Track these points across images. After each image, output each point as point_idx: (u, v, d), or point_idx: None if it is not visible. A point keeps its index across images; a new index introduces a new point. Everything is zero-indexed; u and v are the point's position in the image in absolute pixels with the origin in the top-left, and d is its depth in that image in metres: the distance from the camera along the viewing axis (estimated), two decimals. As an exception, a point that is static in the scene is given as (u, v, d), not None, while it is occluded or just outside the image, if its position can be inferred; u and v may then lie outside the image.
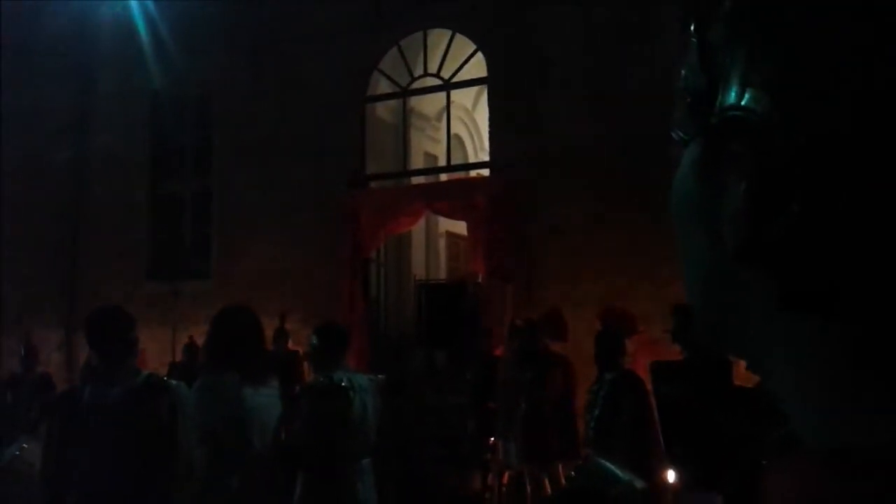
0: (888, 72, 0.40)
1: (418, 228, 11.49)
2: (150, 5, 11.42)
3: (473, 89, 11.30)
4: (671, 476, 4.75)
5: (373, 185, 10.69)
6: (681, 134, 0.50)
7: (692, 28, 0.49)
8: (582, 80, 9.18)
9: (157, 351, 9.39)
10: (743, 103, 0.44)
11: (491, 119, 9.98)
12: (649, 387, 5.09)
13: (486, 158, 10.45)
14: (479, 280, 9.65)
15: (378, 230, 10.07)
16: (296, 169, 10.45)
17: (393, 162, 11.00)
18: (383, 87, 10.71)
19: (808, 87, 0.42)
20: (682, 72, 0.50)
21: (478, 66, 10.09)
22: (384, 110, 11.05)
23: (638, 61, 8.72)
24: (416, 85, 10.64)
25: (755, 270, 0.44)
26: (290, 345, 8.36)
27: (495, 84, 9.93)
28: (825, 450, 0.42)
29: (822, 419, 0.44)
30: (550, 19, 9.39)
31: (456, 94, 10.82)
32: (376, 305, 10.71)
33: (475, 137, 12.97)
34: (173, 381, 3.46)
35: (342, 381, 4.14)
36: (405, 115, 11.00)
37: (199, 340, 6.47)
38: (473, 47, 10.04)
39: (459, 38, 10.13)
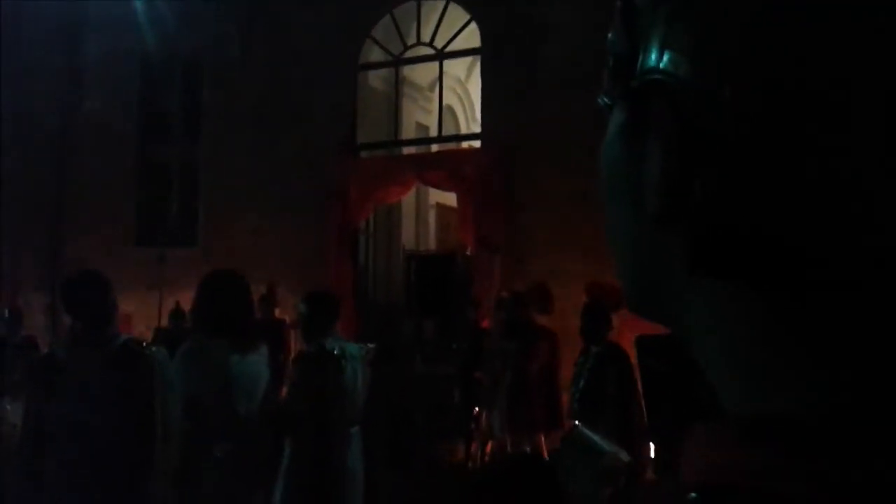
0: (803, 34, 0.39)
1: (408, 199, 11.46)
2: (140, -33, 11.26)
3: (467, 60, 11.22)
4: (651, 450, 4.79)
5: (363, 154, 10.63)
6: (606, 100, 0.50)
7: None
8: (577, 53, 9.10)
9: (144, 316, 9.38)
10: (662, 66, 0.43)
11: (483, 90, 9.91)
12: (634, 361, 5.11)
13: (478, 130, 10.40)
14: (468, 251, 9.65)
15: (368, 200, 10.03)
16: (285, 137, 10.38)
17: (384, 131, 10.93)
18: (376, 55, 10.62)
19: (727, 51, 0.41)
20: (609, 35, 0.49)
21: (471, 36, 10.01)
22: (376, 79, 10.96)
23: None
24: (409, 54, 10.55)
25: (674, 236, 0.43)
26: (277, 313, 8.34)
27: (488, 55, 9.85)
28: (745, 417, 0.42)
29: (743, 387, 0.43)
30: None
31: (449, 65, 10.74)
32: (365, 275, 10.69)
33: (467, 109, 12.90)
34: (153, 347, 3.44)
35: (334, 349, 4.13)
36: (398, 84, 10.91)
37: (186, 306, 6.45)
38: (468, 17, 9.94)
39: (453, 7, 10.03)
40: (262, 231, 10.30)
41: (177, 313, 8.30)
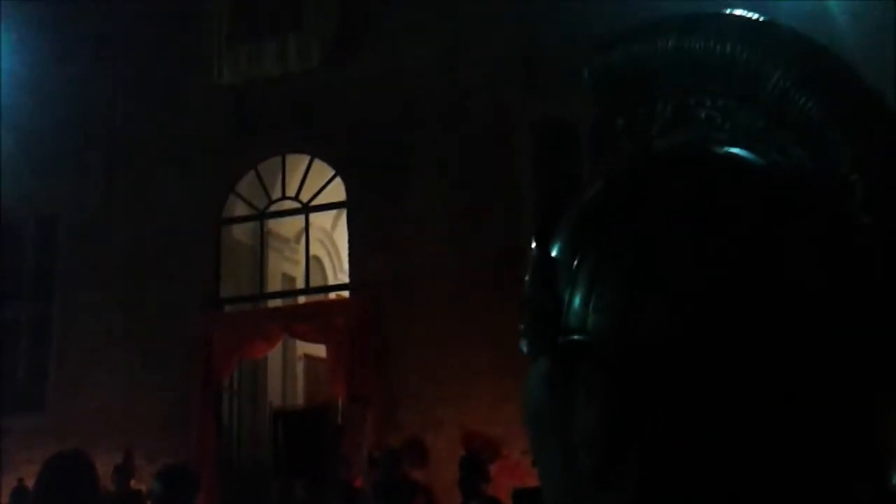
0: (727, 298, 0.42)
1: (275, 352, 11.17)
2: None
3: (333, 211, 11.34)
4: None
5: (228, 308, 10.36)
6: (528, 347, 0.51)
7: (535, 241, 0.51)
8: (440, 206, 9.38)
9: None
10: (588, 327, 0.45)
11: (350, 242, 9.99)
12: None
13: (346, 280, 10.39)
14: (339, 405, 9.41)
15: (232, 355, 9.71)
16: (147, 293, 10.02)
17: (250, 284, 10.74)
18: (241, 209, 10.57)
19: (650, 315, 0.43)
20: (528, 281, 0.51)
21: (337, 189, 10.16)
22: (241, 232, 10.87)
23: (494, 189, 9.04)
24: (275, 207, 10.57)
25: (611, 494, 0.44)
26: (133, 483, 7.76)
27: (354, 207, 9.99)
28: None
29: None
30: (407, 146, 9.64)
31: (315, 216, 10.81)
32: (229, 435, 10.19)
33: (334, 258, 12.93)
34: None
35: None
36: (263, 236, 10.85)
37: (30, 483, 5.88)
38: (332, 172, 10.13)
39: (318, 162, 10.21)
40: (119, 391, 9.70)
41: (19, 492, 7.54)
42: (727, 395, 0.41)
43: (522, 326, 0.51)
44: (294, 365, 12.31)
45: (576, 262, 0.47)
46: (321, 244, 12.54)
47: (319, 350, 10.67)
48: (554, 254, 0.49)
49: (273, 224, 11.15)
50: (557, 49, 8.87)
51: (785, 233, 0.44)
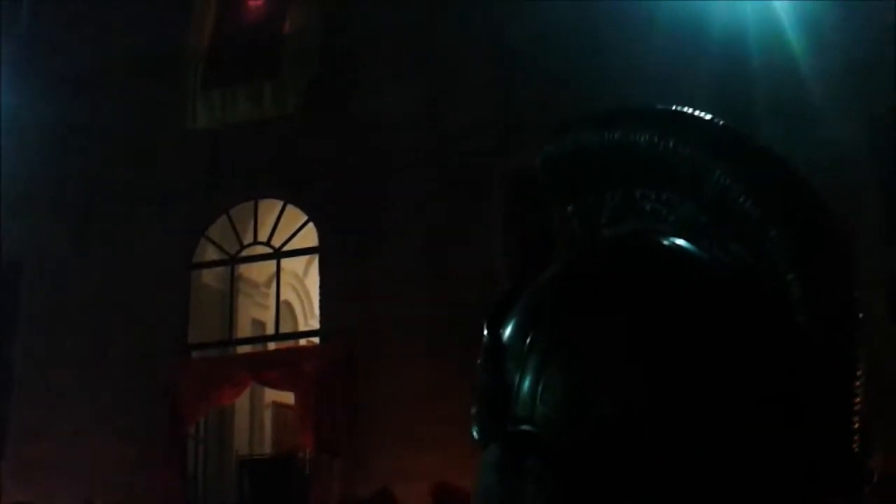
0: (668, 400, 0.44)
1: (242, 399, 10.99)
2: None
3: (305, 256, 11.29)
4: None
5: (195, 354, 10.21)
6: (479, 434, 0.52)
7: (487, 328, 0.53)
8: (411, 253, 9.38)
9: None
10: (536, 419, 0.47)
11: (322, 287, 9.93)
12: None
13: (317, 326, 10.30)
14: (307, 454, 9.26)
15: (199, 403, 9.55)
16: (114, 337, 9.87)
17: (219, 330, 10.60)
18: (212, 253, 10.48)
19: (595, 413, 0.44)
20: (479, 366, 0.53)
21: (309, 234, 10.13)
22: (211, 276, 10.77)
23: (467, 239, 9.06)
24: (246, 252, 10.49)
25: None
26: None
27: (326, 253, 9.96)
28: None
29: None
30: (382, 193, 9.66)
31: (287, 261, 10.75)
32: (195, 484, 9.96)
33: (306, 304, 12.82)
34: None
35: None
36: (233, 281, 10.75)
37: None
38: (305, 217, 10.10)
39: (291, 208, 10.19)
40: (82, 439, 9.47)
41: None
42: (671, 493, 0.42)
43: (473, 412, 0.52)
44: (262, 412, 12.11)
45: (525, 350, 0.48)
46: (293, 289, 12.45)
47: (288, 397, 10.53)
48: (505, 339, 0.51)
49: (244, 269, 11.07)
50: (532, 103, 9.01)
51: (725, 332, 0.46)
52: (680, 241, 0.51)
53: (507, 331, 0.51)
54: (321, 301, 9.97)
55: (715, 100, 7.86)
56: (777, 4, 8.36)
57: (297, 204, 10.14)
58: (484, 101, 9.39)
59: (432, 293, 9.05)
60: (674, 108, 0.54)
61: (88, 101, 10.76)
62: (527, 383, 0.48)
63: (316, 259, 10.54)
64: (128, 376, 9.59)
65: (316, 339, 10.15)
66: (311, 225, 10.08)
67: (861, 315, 0.47)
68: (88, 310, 10.07)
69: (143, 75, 10.56)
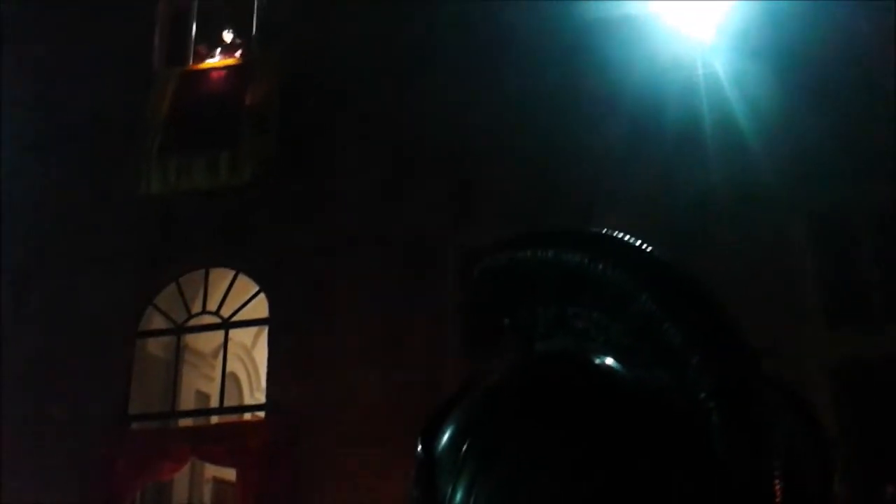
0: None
1: (181, 474, 10.62)
2: None
3: (254, 326, 11.10)
4: None
5: (135, 426, 9.88)
6: None
7: (420, 442, 0.54)
8: (365, 327, 9.28)
9: None
10: None
11: (270, 360, 9.75)
12: None
13: (263, 399, 10.06)
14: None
15: (136, 477, 9.21)
16: (49, 406, 9.50)
17: (161, 401, 10.30)
18: (158, 322, 10.25)
19: None
20: (412, 480, 0.54)
21: (260, 305, 9.99)
22: (156, 346, 10.52)
23: (420, 314, 9.02)
24: (194, 321, 10.29)
25: None
26: None
27: (276, 325, 9.81)
28: None
29: None
30: (335, 266, 9.60)
31: (235, 331, 10.56)
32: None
33: (252, 377, 12.57)
34: None
35: None
36: (178, 351, 10.49)
37: None
38: (256, 287, 9.97)
39: (242, 277, 10.06)
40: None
41: None
42: None
43: None
44: (202, 488, 11.71)
45: (457, 466, 0.51)
46: (240, 360, 12.21)
47: (230, 473, 10.21)
48: (438, 453, 0.53)
49: (191, 339, 10.83)
50: (490, 183, 9.12)
51: (645, 454, 0.48)
52: (610, 362, 0.54)
53: (442, 442, 0.53)
54: (268, 373, 9.77)
55: (666, 178, 8.07)
56: (730, 94, 8.65)
57: (249, 274, 10.02)
58: (442, 178, 9.47)
59: (384, 368, 8.94)
60: (605, 231, 0.57)
61: (40, 162, 10.61)
62: (459, 495, 0.50)
63: (265, 331, 10.37)
64: (62, 448, 9.21)
65: (261, 414, 9.91)
66: (261, 296, 9.94)
67: (777, 446, 0.48)
68: (24, 376, 9.71)
69: (99, 136, 10.48)
